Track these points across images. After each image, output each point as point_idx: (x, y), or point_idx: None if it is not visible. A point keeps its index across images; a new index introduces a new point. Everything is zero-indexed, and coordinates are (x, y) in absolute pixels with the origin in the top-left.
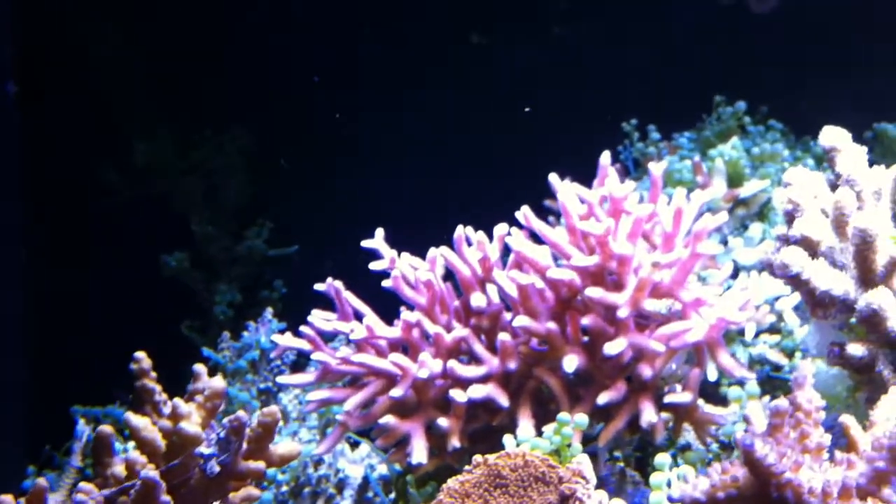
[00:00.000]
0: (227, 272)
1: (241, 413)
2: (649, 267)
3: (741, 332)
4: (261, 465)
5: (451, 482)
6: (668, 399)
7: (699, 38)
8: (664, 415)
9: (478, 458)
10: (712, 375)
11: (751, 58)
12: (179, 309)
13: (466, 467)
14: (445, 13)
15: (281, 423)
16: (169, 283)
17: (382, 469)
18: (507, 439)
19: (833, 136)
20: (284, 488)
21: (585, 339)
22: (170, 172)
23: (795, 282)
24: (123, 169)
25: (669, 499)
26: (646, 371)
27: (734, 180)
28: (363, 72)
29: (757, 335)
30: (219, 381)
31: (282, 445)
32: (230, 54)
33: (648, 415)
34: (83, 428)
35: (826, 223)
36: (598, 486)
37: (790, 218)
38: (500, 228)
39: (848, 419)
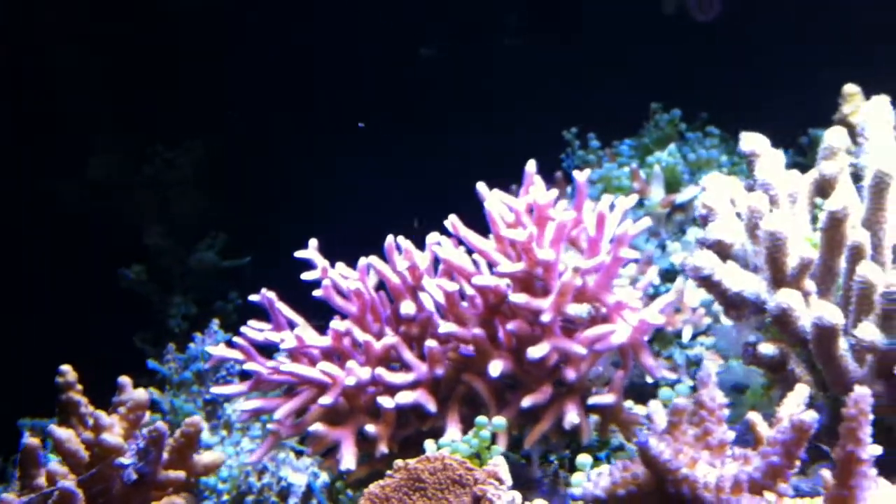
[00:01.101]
0: (180, 284)
1: (159, 423)
2: (570, 272)
3: (678, 335)
4: (181, 474)
5: (373, 487)
6: (591, 401)
7: (645, 47)
8: (595, 417)
9: (398, 462)
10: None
11: (694, 65)
12: (136, 321)
13: (388, 472)
14: (400, 22)
15: (224, 433)
16: (126, 295)
17: (326, 477)
18: (429, 444)
19: (752, 141)
20: (225, 497)
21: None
22: (122, 186)
23: (707, 284)
24: (77, 182)
25: (572, 497)
26: (570, 374)
27: (672, 186)
28: (317, 81)
29: (694, 337)
30: (141, 394)
31: (206, 455)
32: (183, 68)
33: (571, 416)
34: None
35: (740, 227)
36: (530, 489)
37: (705, 222)
38: (431, 237)
39: (754, 416)
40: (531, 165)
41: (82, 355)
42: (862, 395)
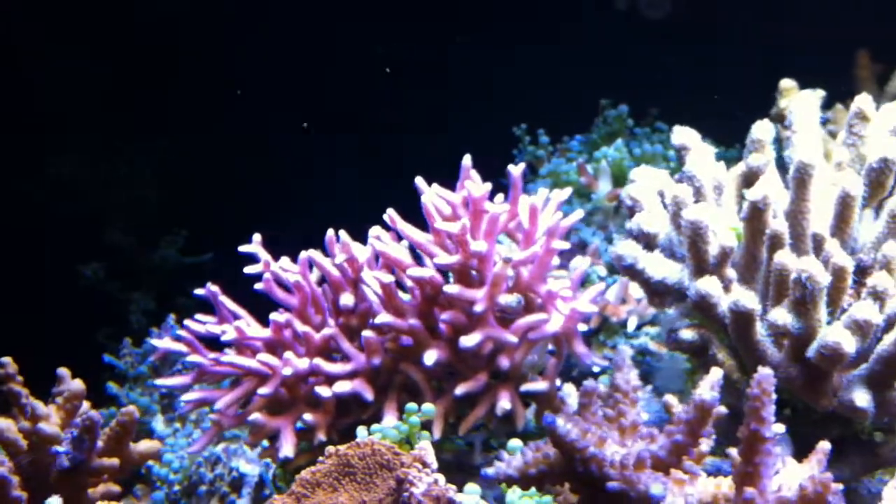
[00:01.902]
0: (142, 281)
1: (91, 412)
2: (502, 263)
3: (624, 325)
4: (115, 461)
5: (304, 473)
6: (524, 388)
7: (599, 43)
8: (535, 404)
9: (330, 448)
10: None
11: (646, 61)
12: (99, 318)
13: (320, 458)
14: (355, 23)
15: (178, 425)
16: (89, 292)
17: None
18: (360, 430)
19: (683, 135)
20: (177, 487)
21: None
22: (83, 184)
23: (631, 272)
24: (37, 180)
25: (484, 476)
26: (504, 362)
27: (619, 180)
28: (274, 80)
29: (640, 327)
30: (77, 384)
31: (142, 444)
32: (142, 68)
33: (503, 403)
34: None
35: (666, 217)
36: (471, 474)
37: (631, 213)
38: (373, 230)
39: (671, 398)
40: (467, 160)
41: (46, 351)
42: (765, 376)
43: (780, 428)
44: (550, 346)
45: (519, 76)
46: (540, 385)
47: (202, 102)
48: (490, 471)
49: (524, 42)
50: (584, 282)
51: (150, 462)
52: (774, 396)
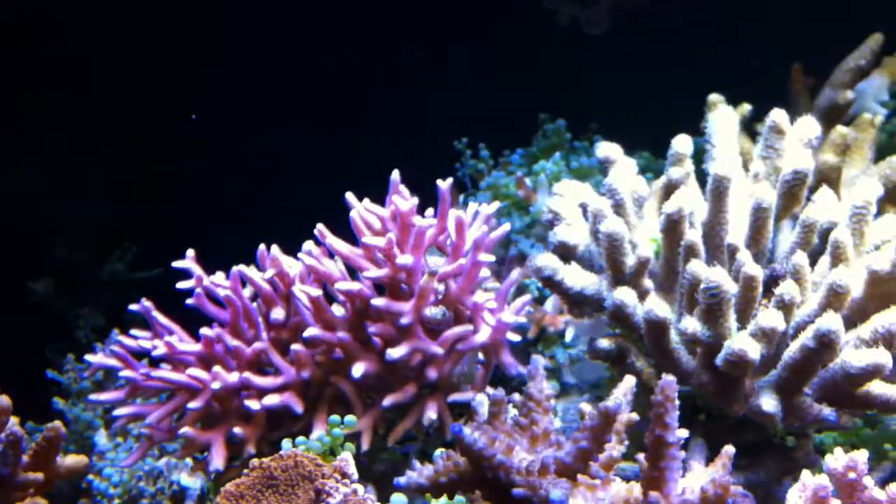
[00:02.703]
0: (90, 296)
1: (15, 428)
2: (427, 276)
3: (562, 335)
4: (40, 476)
5: (229, 485)
6: (452, 398)
7: (542, 59)
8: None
9: (254, 461)
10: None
11: (588, 76)
12: (48, 333)
13: (245, 470)
14: (307, 32)
15: (120, 440)
16: (38, 307)
17: None
18: (285, 443)
19: (607, 149)
20: (117, 501)
21: None
22: (33, 198)
23: (549, 284)
24: None
25: (396, 485)
26: (431, 373)
27: None
28: (230, 91)
29: (578, 337)
30: (3, 400)
31: (69, 459)
32: (92, 77)
33: (430, 413)
34: None
35: (587, 229)
36: None
37: (552, 226)
38: (305, 245)
39: (585, 406)
40: (395, 175)
41: None
42: (668, 383)
43: (683, 433)
44: (481, 357)
45: (463, 91)
46: (468, 395)
47: (155, 115)
48: (402, 480)
49: (468, 57)
50: (522, 293)
51: (91, 477)
52: (678, 403)
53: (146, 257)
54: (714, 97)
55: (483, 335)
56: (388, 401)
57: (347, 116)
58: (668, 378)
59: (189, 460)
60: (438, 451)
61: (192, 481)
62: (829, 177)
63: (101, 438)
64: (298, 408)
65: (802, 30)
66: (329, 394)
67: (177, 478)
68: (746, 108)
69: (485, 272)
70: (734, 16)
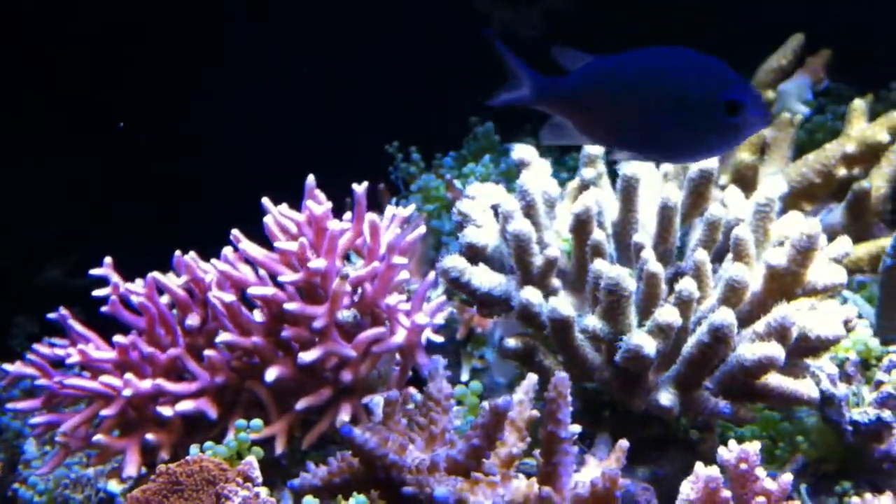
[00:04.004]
0: (25, 305)
1: None
2: (339, 280)
3: (492, 335)
4: None
5: (136, 491)
6: (365, 400)
7: (475, 62)
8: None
9: (161, 467)
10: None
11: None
12: None
13: (151, 476)
14: (238, 45)
15: (48, 448)
16: None
17: None
18: (193, 448)
19: (522, 151)
20: None
21: None
22: None
23: (457, 285)
24: None
25: (290, 486)
26: (345, 376)
27: None
28: (181, 95)
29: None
30: None
31: None
32: (38, 84)
33: (342, 416)
34: None
35: (496, 230)
36: None
37: (461, 228)
38: (225, 250)
39: (486, 403)
40: (310, 179)
41: None
42: (560, 379)
43: (576, 428)
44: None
45: (396, 95)
46: (392, 395)
47: (98, 119)
48: (296, 482)
49: (402, 62)
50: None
51: (16, 485)
52: (570, 399)
53: (87, 264)
54: None
55: (399, 337)
56: (301, 404)
57: (280, 120)
58: (561, 375)
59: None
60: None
61: (120, 488)
62: (745, 175)
63: (31, 447)
64: (213, 413)
65: (741, 32)
66: (245, 399)
67: (104, 485)
68: None
69: (404, 274)
70: (669, 19)
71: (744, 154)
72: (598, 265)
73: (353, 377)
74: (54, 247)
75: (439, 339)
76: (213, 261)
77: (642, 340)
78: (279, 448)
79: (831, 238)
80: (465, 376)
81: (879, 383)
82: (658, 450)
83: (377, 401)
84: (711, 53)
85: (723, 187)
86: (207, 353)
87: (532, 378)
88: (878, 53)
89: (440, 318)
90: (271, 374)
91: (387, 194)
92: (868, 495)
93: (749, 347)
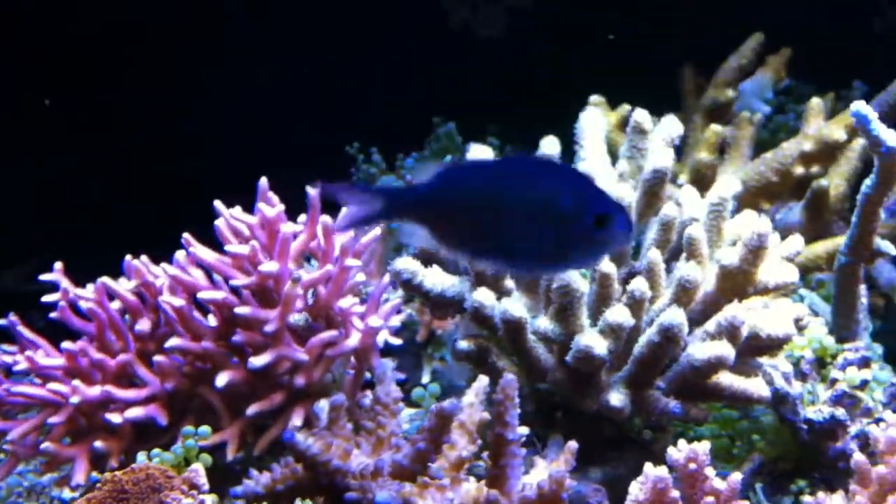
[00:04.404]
0: None
1: None
2: (291, 283)
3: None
4: None
5: (80, 500)
6: (318, 405)
7: (437, 62)
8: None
9: (107, 475)
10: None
11: (484, 78)
12: None
13: (98, 484)
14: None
15: (1, 456)
16: None
17: None
18: (140, 456)
19: (479, 151)
20: None
21: None
22: None
23: (410, 287)
24: None
25: (233, 494)
26: (298, 380)
27: None
28: (145, 99)
29: None
30: None
31: None
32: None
33: (294, 421)
34: None
35: None
36: None
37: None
38: (178, 254)
39: (436, 406)
40: (263, 181)
41: None
42: (508, 382)
43: (524, 430)
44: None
45: (358, 95)
46: (338, 400)
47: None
48: (239, 489)
49: (363, 62)
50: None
51: None
52: (518, 401)
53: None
54: (595, 98)
55: (353, 340)
56: (252, 409)
57: (242, 121)
58: (509, 377)
59: None
60: None
61: (72, 496)
62: (703, 174)
63: None
64: (163, 420)
65: (705, 30)
66: (197, 404)
67: (59, 493)
68: (626, 108)
69: (360, 276)
70: (635, 17)
71: (702, 153)
72: None
73: (306, 381)
74: (13, 251)
75: (397, 341)
76: (164, 265)
77: (593, 341)
78: (230, 454)
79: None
80: (425, 378)
81: (834, 381)
82: (612, 450)
83: (322, 406)
84: (665, 50)
85: (682, 186)
86: (157, 358)
87: (483, 380)
88: (840, 52)
89: (396, 321)
90: (222, 379)
91: None
92: (821, 494)
93: (699, 347)
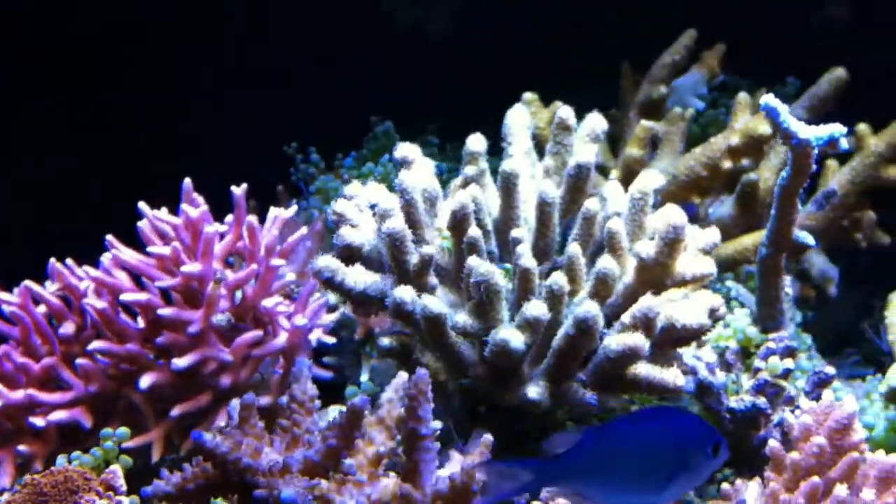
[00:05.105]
0: None
1: None
2: (213, 284)
3: None
4: None
5: None
6: (232, 404)
7: (381, 63)
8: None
9: (26, 477)
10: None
11: (427, 78)
12: None
13: (15, 487)
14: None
15: None
16: None
17: None
18: (60, 458)
19: (405, 150)
20: None
21: None
22: None
23: (331, 285)
24: None
25: (143, 494)
26: (224, 381)
27: None
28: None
29: None
30: None
31: None
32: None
33: (220, 421)
34: None
35: (373, 229)
36: None
37: (336, 228)
38: (104, 256)
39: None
40: (187, 182)
41: None
42: (420, 377)
43: (437, 424)
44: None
45: (299, 96)
46: (264, 400)
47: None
48: (149, 489)
49: (306, 63)
50: None
51: None
52: (430, 395)
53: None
54: (528, 96)
55: (280, 340)
56: (176, 410)
57: (177, 121)
58: (421, 372)
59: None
60: None
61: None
62: (634, 170)
63: None
64: (87, 422)
65: (649, 29)
66: (123, 406)
67: None
68: (559, 105)
69: (291, 276)
70: (579, 17)
71: (633, 149)
72: (471, 261)
73: (232, 382)
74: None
75: (331, 339)
76: (86, 267)
77: (509, 335)
78: (156, 456)
79: (722, 229)
80: (364, 377)
81: (757, 370)
82: (535, 443)
83: (234, 404)
84: (607, 48)
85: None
86: (80, 361)
87: (402, 376)
88: (774, 48)
89: (327, 319)
90: (145, 380)
91: (285, 196)
92: (739, 481)
93: (614, 338)
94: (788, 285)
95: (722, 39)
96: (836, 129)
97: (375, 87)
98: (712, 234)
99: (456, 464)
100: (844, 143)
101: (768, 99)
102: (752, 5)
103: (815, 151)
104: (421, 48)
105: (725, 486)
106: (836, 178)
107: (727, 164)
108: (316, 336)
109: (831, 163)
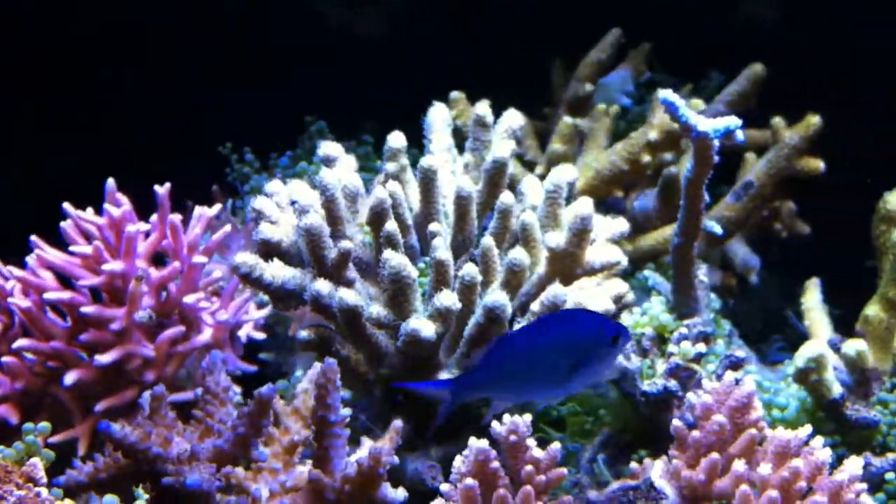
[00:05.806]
0: None
1: None
2: (134, 281)
3: None
4: None
5: None
6: (172, 398)
7: (315, 60)
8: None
9: None
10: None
11: (360, 76)
12: None
13: None
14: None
15: None
16: None
17: None
18: None
19: (328, 147)
20: None
21: None
22: None
23: (249, 281)
24: None
25: (54, 484)
26: (148, 376)
27: None
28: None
29: None
30: None
31: None
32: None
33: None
34: None
35: (293, 225)
36: None
37: (256, 224)
38: (30, 256)
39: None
40: (110, 182)
41: None
42: (329, 366)
43: (346, 412)
44: None
45: (233, 98)
46: (188, 395)
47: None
48: (61, 479)
49: (238, 61)
50: None
51: None
52: (340, 384)
53: None
54: (455, 94)
55: (204, 336)
56: (101, 406)
57: (113, 121)
58: (329, 361)
59: None
60: None
61: None
62: (558, 165)
63: None
64: (13, 418)
65: (573, 25)
66: (50, 403)
67: None
68: (484, 103)
69: (217, 273)
70: (509, 18)
71: (556, 145)
72: (386, 254)
73: (156, 377)
74: None
75: (260, 335)
76: (10, 267)
77: (420, 325)
78: (81, 450)
79: (646, 221)
80: (299, 372)
81: (670, 355)
82: (452, 431)
83: (146, 396)
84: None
85: (542, 177)
86: (5, 359)
87: (316, 367)
88: (699, 44)
89: (257, 315)
90: (70, 377)
91: (221, 195)
92: (647, 460)
93: (521, 327)
94: (704, 273)
95: (650, 37)
96: (733, 121)
97: (313, 86)
98: (620, 225)
99: (365, 449)
100: (740, 135)
101: (666, 94)
102: (677, 3)
103: (716, 143)
104: (356, 48)
105: (634, 464)
106: (754, 169)
107: (647, 158)
108: (246, 332)
109: (750, 155)
